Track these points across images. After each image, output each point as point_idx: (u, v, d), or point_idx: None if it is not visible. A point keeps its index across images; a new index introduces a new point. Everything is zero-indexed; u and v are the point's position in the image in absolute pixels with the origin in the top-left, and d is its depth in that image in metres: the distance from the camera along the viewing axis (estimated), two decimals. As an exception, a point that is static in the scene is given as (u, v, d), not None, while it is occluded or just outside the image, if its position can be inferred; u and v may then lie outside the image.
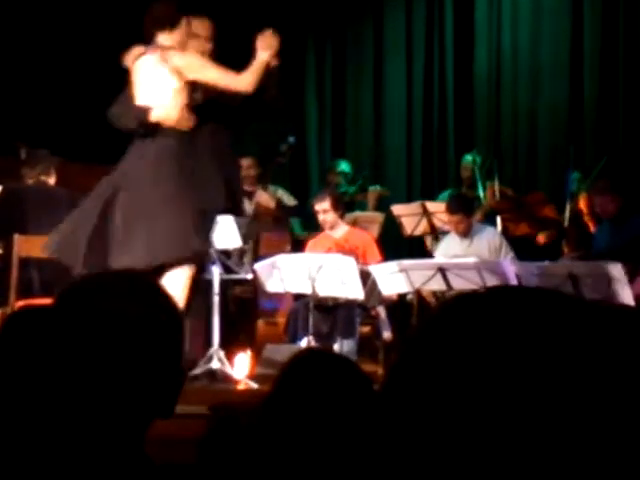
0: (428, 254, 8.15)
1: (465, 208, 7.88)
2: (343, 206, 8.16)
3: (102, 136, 7.30)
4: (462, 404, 0.81)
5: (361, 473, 1.86)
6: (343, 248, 7.73)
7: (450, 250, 7.89)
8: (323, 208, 7.89)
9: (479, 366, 0.81)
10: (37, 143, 7.17)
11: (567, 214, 7.91)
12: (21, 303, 6.01)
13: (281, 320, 7.71)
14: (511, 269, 6.94)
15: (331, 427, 1.98)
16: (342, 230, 8.01)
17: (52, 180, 6.93)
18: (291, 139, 7.25)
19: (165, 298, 1.57)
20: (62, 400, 1.44)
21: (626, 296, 6.49)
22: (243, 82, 5.57)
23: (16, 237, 6.27)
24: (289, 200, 9.20)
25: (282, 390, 2.02)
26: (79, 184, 6.86)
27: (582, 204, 8.18)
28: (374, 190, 9.69)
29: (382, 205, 9.34)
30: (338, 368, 2.12)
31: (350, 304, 7.41)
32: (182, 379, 1.56)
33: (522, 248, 7.96)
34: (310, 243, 8.06)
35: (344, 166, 9.96)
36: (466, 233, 7.87)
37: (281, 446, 1.92)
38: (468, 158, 9.33)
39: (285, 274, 7.09)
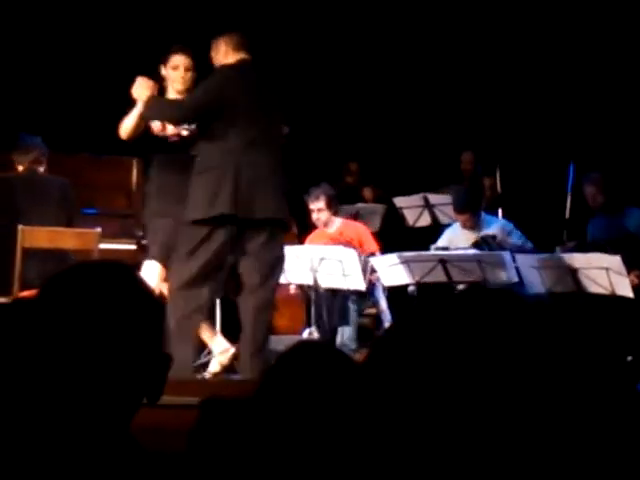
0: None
1: (471, 207, 7.80)
2: (337, 203, 8.05)
3: (95, 127, 7.41)
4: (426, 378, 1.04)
5: (350, 464, 1.90)
6: (339, 241, 7.74)
7: (457, 238, 7.90)
8: (318, 207, 7.85)
9: (441, 352, 1.04)
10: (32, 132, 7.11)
11: (568, 206, 7.93)
12: (25, 293, 6.03)
13: (278, 312, 7.70)
14: (510, 261, 6.98)
15: (320, 417, 2.02)
16: (336, 224, 7.98)
17: (42, 169, 6.85)
18: (285, 129, 7.26)
19: (144, 284, 1.62)
20: (49, 388, 1.49)
21: (624, 287, 6.55)
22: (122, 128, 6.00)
23: (20, 227, 6.28)
24: None
25: (271, 381, 2.06)
26: (67, 174, 6.92)
27: None
28: (367, 189, 9.72)
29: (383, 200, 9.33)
30: (329, 359, 2.15)
31: (343, 292, 7.42)
32: (167, 365, 1.61)
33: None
34: (307, 241, 8.03)
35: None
36: (474, 227, 7.81)
37: (269, 438, 1.96)
38: (468, 153, 9.36)
39: (287, 265, 7.11)
